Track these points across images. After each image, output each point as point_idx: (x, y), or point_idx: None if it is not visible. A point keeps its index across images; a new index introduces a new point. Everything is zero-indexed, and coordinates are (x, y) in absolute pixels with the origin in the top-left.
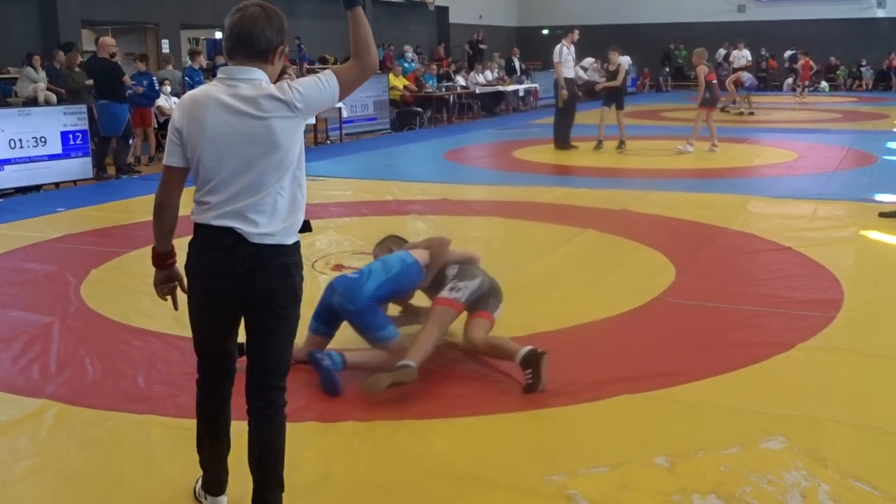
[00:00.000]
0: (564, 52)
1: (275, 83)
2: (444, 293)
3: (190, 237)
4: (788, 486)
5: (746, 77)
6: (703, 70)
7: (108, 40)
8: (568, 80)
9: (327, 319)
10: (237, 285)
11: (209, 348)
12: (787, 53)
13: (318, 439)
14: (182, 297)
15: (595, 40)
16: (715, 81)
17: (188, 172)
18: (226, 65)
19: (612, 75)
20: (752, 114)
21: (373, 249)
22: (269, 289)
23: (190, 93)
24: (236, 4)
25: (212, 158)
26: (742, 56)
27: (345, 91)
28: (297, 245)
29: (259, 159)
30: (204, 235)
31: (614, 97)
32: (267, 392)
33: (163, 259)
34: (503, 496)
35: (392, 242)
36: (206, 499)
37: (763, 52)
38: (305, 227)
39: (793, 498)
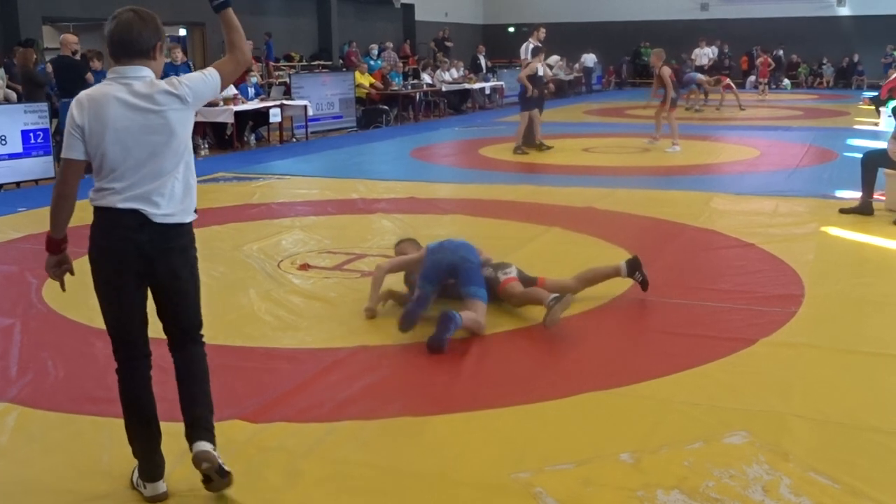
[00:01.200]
0: (532, 50)
1: (237, 83)
2: (501, 276)
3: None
4: (750, 480)
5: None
6: (666, 71)
7: (70, 37)
8: (537, 79)
9: (434, 279)
10: (145, 261)
11: (123, 327)
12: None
13: (286, 439)
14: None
15: (561, 38)
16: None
17: (86, 164)
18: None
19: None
20: (699, 111)
21: (395, 247)
22: (172, 265)
23: (86, 92)
24: (197, 1)
25: (117, 150)
26: (704, 54)
27: (224, 83)
28: (192, 224)
29: (159, 148)
30: (109, 217)
31: (539, 101)
32: (189, 344)
33: (58, 244)
34: (469, 494)
35: (409, 243)
36: (144, 487)
37: (726, 50)
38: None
39: (755, 492)
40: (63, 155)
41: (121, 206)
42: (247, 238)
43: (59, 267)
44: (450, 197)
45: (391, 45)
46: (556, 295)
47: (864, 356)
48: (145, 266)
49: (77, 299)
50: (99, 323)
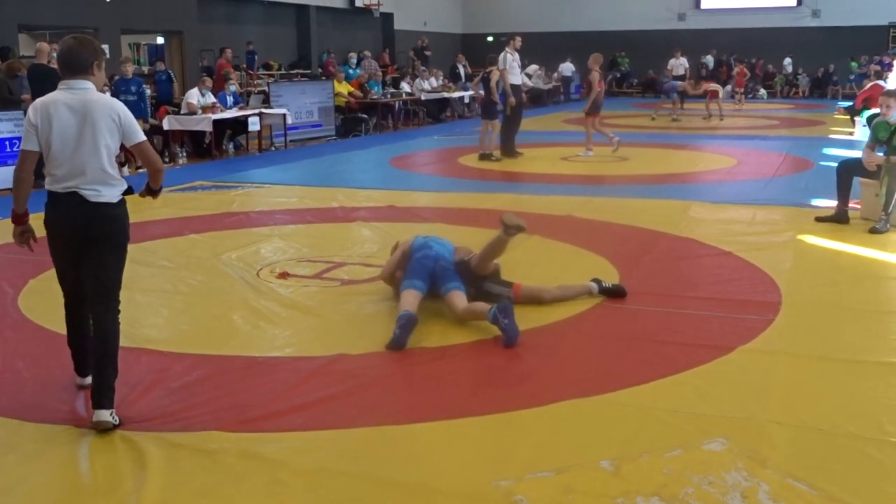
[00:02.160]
0: (509, 59)
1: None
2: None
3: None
4: (729, 487)
5: (677, 84)
6: (595, 77)
7: (46, 46)
8: (514, 87)
9: (426, 278)
10: (83, 230)
11: (67, 279)
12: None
13: (265, 449)
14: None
15: (539, 47)
16: (601, 90)
17: (39, 154)
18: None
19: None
20: (677, 120)
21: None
22: (105, 231)
23: (41, 99)
24: (175, 10)
25: (58, 144)
26: (680, 64)
27: (139, 153)
28: (122, 201)
29: (88, 145)
30: (56, 198)
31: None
32: (106, 300)
33: (21, 217)
34: (450, 503)
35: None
36: (77, 379)
37: (701, 60)
38: (129, 191)
39: (733, 498)
40: (21, 147)
41: (61, 190)
42: (226, 246)
43: (23, 235)
44: (429, 205)
45: (369, 53)
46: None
47: (841, 363)
48: (84, 233)
49: (52, 308)
50: None
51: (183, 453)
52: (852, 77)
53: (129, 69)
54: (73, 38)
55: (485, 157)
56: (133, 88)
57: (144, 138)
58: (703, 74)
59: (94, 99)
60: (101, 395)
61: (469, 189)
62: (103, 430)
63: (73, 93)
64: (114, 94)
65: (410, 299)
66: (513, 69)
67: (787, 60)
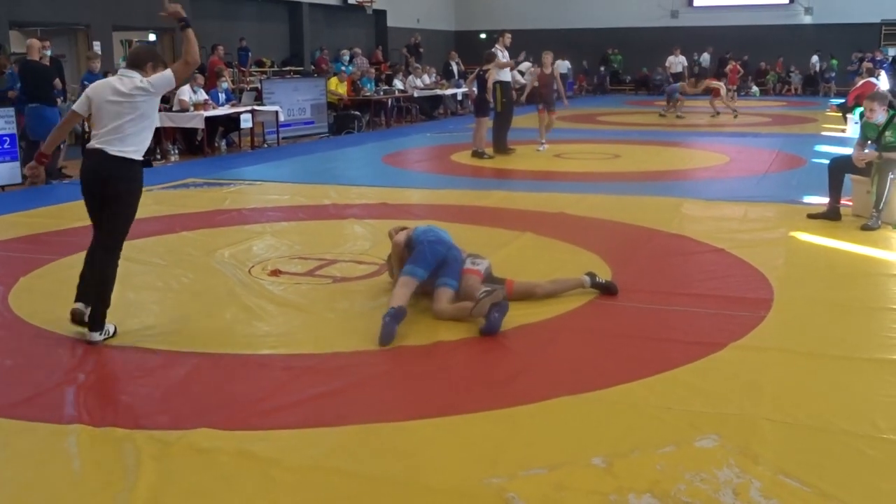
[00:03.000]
0: (500, 56)
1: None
2: (469, 265)
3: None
4: (721, 484)
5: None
6: (556, 72)
7: (36, 42)
8: (504, 84)
9: (430, 265)
10: (103, 181)
11: (92, 220)
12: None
13: (257, 446)
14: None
15: (532, 45)
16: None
17: (81, 117)
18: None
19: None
20: (680, 117)
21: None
22: (118, 183)
23: (101, 80)
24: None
25: (99, 116)
26: (678, 62)
27: (177, 78)
28: (140, 163)
29: (124, 118)
30: (88, 153)
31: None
32: (110, 243)
33: (42, 157)
34: (441, 500)
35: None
36: (73, 304)
37: (695, 57)
38: (147, 164)
39: (725, 495)
40: (74, 107)
41: (91, 147)
42: (218, 244)
43: (34, 170)
44: (422, 202)
45: (359, 51)
46: (486, 289)
47: (833, 359)
48: (101, 186)
49: (42, 306)
50: (66, 330)
51: (175, 451)
52: (832, 74)
53: (97, 65)
54: (138, 47)
55: (477, 154)
56: None
57: (170, 72)
58: (695, 72)
59: (135, 86)
60: (94, 322)
61: (462, 186)
62: (93, 342)
63: (123, 79)
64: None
65: (405, 291)
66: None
67: (815, 59)
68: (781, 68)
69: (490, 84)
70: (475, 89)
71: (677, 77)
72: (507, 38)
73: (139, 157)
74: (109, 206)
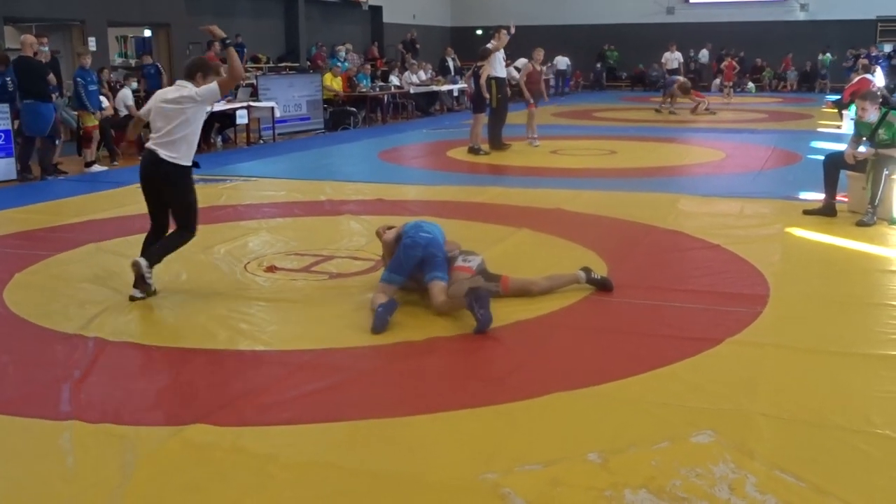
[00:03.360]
0: (495, 53)
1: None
2: (460, 262)
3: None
4: (717, 479)
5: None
6: (527, 69)
7: (30, 38)
8: (499, 80)
9: (405, 271)
10: (158, 182)
11: (150, 213)
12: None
13: (253, 442)
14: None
15: (527, 42)
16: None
17: (144, 121)
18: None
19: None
20: (673, 113)
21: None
22: (172, 185)
23: (162, 89)
24: (163, 3)
25: (154, 118)
26: (674, 58)
27: (222, 91)
28: (188, 168)
29: (173, 123)
30: (145, 153)
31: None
32: (181, 224)
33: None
34: (437, 496)
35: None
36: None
37: (691, 54)
38: (195, 165)
39: (721, 490)
40: (139, 112)
41: (147, 147)
42: (214, 240)
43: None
44: (418, 199)
45: (350, 46)
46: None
47: (829, 355)
48: (158, 184)
49: (39, 303)
50: (62, 326)
51: (170, 447)
52: (823, 71)
53: (88, 60)
54: (192, 59)
55: (473, 150)
56: (95, 78)
57: (216, 84)
58: (691, 68)
59: (185, 95)
60: (149, 261)
61: (458, 182)
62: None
63: (178, 88)
64: (80, 85)
65: (387, 294)
66: (499, 62)
67: (827, 55)
68: (790, 65)
69: (483, 80)
70: (472, 86)
71: (673, 73)
72: (504, 35)
73: (187, 162)
74: (171, 201)
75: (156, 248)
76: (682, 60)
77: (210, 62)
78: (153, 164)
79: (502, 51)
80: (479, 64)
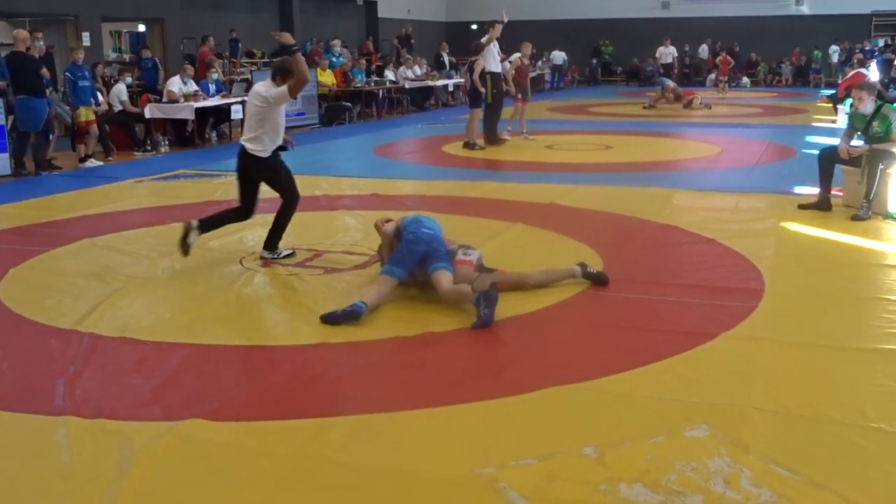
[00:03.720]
0: (489, 47)
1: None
2: (460, 256)
3: None
4: (712, 473)
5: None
6: (516, 63)
7: (22, 33)
8: (494, 75)
9: (407, 265)
10: (251, 171)
11: (240, 197)
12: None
13: (248, 438)
14: None
15: (523, 37)
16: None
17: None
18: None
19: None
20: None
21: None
22: (262, 173)
23: (255, 84)
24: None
25: (246, 114)
26: (668, 53)
27: (291, 94)
28: (273, 154)
29: (252, 119)
30: (239, 148)
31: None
32: (285, 200)
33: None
34: (433, 490)
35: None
36: (194, 221)
37: (686, 49)
38: (282, 148)
39: (716, 484)
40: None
41: (240, 142)
42: (209, 235)
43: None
44: (413, 193)
45: (340, 42)
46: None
47: (823, 349)
48: (251, 173)
49: (34, 298)
50: (57, 321)
51: (165, 443)
52: (817, 66)
53: (80, 56)
54: (276, 63)
55: (469, 145)
56: (87, 74)
57: (286, 88)
58: (686, 62)
59: (263, 93)
60: (267, 244)
61: (453, 177)
62: (262, 258)
63: (265, 87)
64: (69, 80)
65: (381, 289)
66: (494, 57)
67: (834, 48)
68: (797, 58)
69: (476, 75)
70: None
71: (667, 68)
72: (497, 29)
73: (267, 155)
74: (269, 185)
75: (273, 227)
76: (675, 55)
77: (289, 66)
78: (244, 156)
79: (497, 45)
80: (472, 59)
